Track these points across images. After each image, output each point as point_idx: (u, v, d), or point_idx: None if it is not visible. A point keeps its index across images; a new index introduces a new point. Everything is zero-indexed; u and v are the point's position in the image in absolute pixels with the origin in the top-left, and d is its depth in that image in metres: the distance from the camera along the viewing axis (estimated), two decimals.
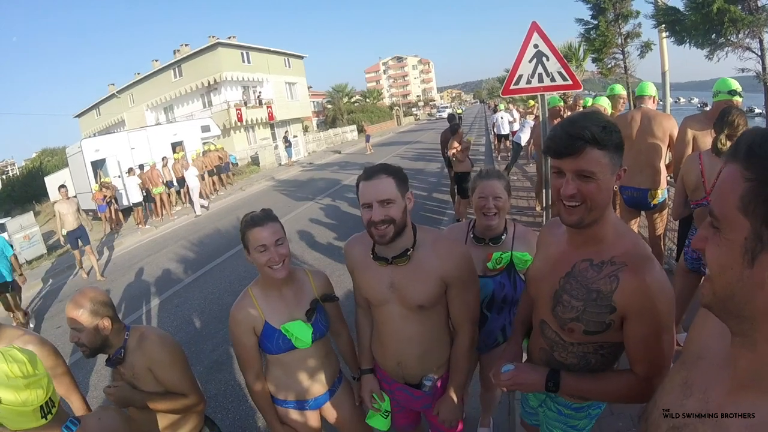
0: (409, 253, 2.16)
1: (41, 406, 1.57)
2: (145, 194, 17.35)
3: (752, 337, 0.84)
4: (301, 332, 2.36)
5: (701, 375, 1.01)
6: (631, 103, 8.99)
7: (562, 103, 8.74)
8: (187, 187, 17.30)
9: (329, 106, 59.41)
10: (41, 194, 27.50)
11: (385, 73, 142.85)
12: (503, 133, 18.73)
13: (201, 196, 17.31)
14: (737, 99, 4.21)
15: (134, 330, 2.49)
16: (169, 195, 18.24)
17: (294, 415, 2.57)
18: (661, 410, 1.04)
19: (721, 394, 0.91)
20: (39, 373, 1.61)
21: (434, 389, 2.39)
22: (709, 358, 1.02)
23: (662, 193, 5.12)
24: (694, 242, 0.92)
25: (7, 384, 1.52)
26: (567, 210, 1.63)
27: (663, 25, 10.53)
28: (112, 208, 16.86)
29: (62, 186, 11.06)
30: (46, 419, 1.58)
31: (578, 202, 1.58)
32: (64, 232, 10.83)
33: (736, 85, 4.26)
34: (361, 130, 52.38)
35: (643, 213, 5.51)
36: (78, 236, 10.87)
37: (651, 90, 5.40)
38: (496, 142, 20.36)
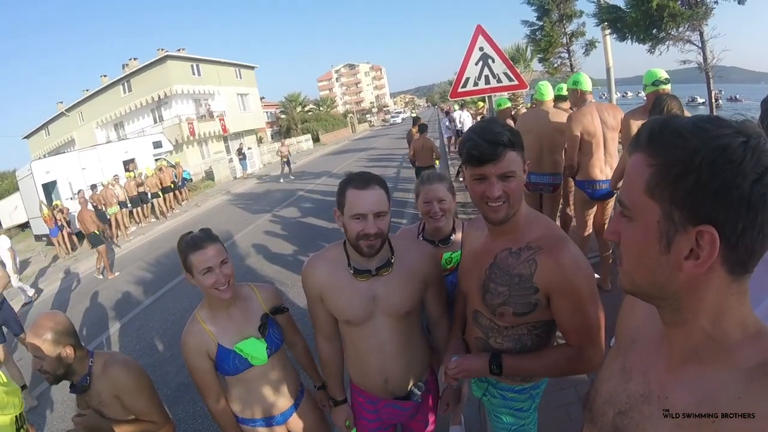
0: (392, 261, 2.15)
1: (17, 417, 1.57)
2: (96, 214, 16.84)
3: (680, 314, 0.89)
4: (255, 350, 2.35)
5: (638, 358, 1.05)
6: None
7: (509, 104, 8.86)
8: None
9: (283, 116, 59.01)
10: None
11: (337, 81, 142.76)
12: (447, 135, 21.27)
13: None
14: (664, 87, 4.33)
15: (98, 356, 2.45)
16: (128, 213, 17.89)
17: None
18: (605, 397, 1.07)
19: (661, 372, 0.95)
20: (12, 384, 1.62)
21: (421, 396, 2.38)
22: (643, 340, 1.07)
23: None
24: (607, 234, 0.97)
25: None
26: (492, 209, 1.75)
27: (605, 23, 10.81)
28: (64, 231, 16.40)
29: None
30: None
31: (503, 201, 1.73)
32: None
33: (660, 74, 4.37)
34: (316, 139, 51.43)
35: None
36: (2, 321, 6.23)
37: (587, 85, 5.33)
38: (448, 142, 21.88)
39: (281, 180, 23.90)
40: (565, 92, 6.84)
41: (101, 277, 12.03)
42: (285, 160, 24.46)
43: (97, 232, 12.00)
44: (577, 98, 5.37)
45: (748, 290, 0.85)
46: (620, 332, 1.19)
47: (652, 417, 0.92)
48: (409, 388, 2.35)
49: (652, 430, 0.91)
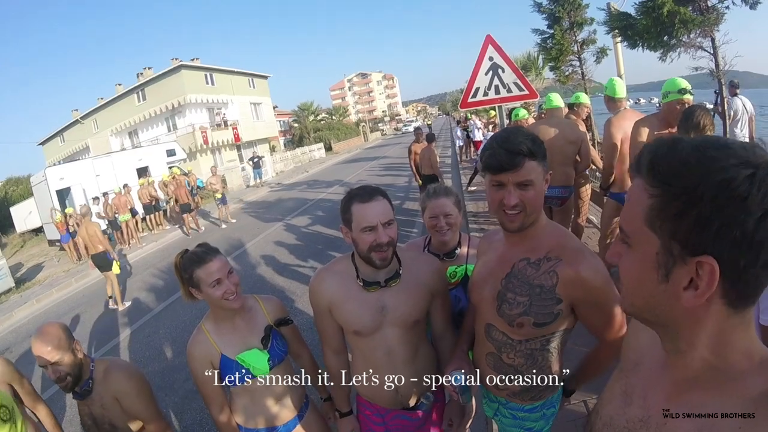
0: (400, 272, 2.18)
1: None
2: (109, 222, 17.02)
3: (679, 342, 0.86)
4: (257, 360, 2.36)
5: (640, 381, 1.02)
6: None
7: (526, 117, 8.64)
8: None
9: (296, 124, 59.44)
10: (7, 225, 26.80)
11: (350, 90, 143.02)
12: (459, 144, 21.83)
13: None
14: (688, 97, 4.15)
15: (99, 363, 2.56)
16: (141, 220, 18.04)
17: None
18: (605, 420, 1.05)
19: (661, 398, 0.92)
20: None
21: (431, 406, 2.40)
22: (647, 364, 1.04)
23: None
24: (608, 256, 0.95)
25: None
26: (509, 217, 1.77)
27: (616, 31, 10.79)
28: (77, 238, 16.48)
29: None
30: None
31: (520, 210, 1.74)
32: None
33: (685, 84, 4.18)
34: (328, 148, 51.07)
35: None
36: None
37: (621, 92, 5.28)
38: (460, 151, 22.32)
39: (222, 225, 17.16)
40: (582, 100, 6.76)
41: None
42: (219, 197, 17.18)
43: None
44: (613, 104, 5.29)
45: (751, 320, 0.82)
46: (625, 353, 1.17)
47: None
48: (417, 398, 2.35)
49: None
